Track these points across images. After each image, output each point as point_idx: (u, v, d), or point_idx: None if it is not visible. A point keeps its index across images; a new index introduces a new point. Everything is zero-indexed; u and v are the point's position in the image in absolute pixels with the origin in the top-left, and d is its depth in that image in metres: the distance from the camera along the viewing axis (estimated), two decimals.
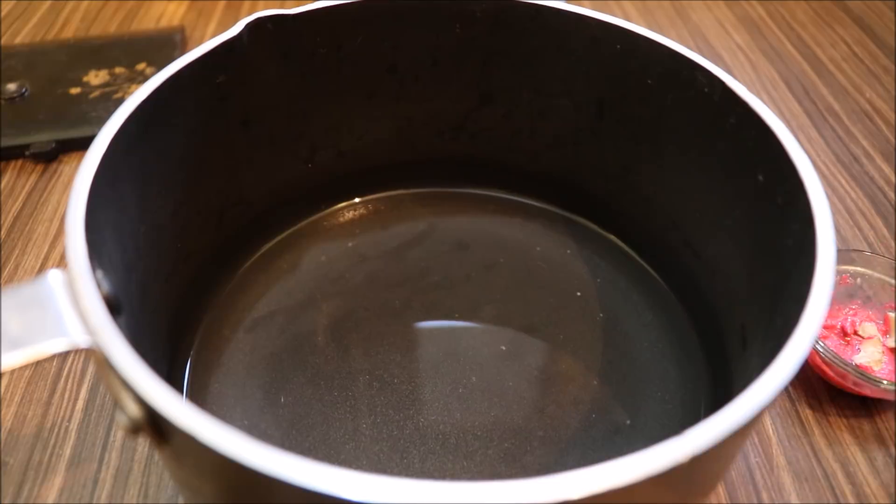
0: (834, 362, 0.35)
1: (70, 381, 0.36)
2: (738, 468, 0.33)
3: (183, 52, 0.59)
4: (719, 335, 0.35)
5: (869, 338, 0.37)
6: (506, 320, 0.38)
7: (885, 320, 0.38)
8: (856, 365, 0.35)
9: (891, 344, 0.37)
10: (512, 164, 0.44)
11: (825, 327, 0.38)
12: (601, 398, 0.35)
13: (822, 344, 0.35)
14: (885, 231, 0.45)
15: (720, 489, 0.33)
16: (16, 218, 0.46)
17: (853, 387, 0.35)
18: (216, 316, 0.38)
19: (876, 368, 0.36)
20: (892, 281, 0.38)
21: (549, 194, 0.44)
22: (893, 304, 0.38)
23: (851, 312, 0.38)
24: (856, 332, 0.38)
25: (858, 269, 0.39)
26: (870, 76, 0.58)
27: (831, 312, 0.38)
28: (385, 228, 0.43)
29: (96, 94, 0.54)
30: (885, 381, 0.34)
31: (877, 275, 0.39)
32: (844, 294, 0.39)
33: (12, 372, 0.37)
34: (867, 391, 0.35)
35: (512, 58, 0.39)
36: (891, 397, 0.35)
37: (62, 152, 0.51)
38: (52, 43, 0.61)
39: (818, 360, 0.36)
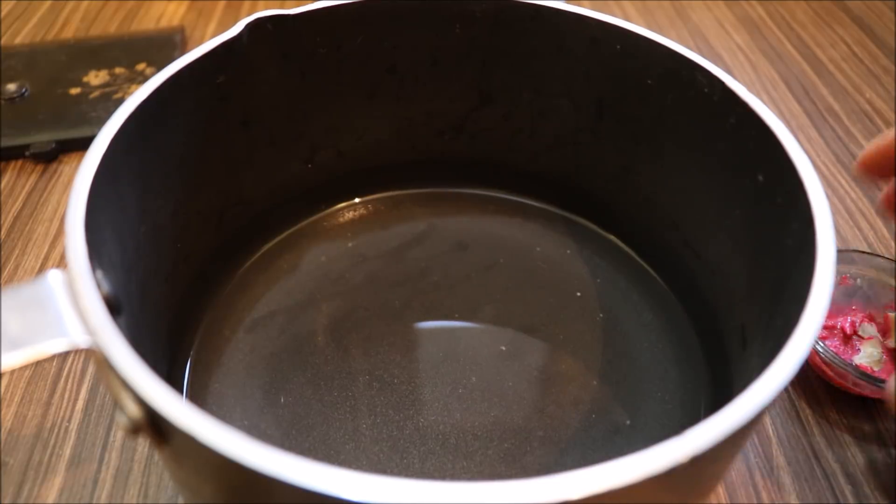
0: (834, 362, 0.35)
1: (70, 381, 0.36)
2: (738, 468, 0.33)
3: (183, 52, 0.59)
4: (719, 335, 0.35)
5: (869, 338, 0.37)
6: (506, 320, 0.38)
7: (885, 320, 0.38)
8: (856, 365, 0.35)
9: (891, 344, 0.37)
10: (512, 164, 0.44)
11: (825, 328, 0.38)
12: (601, 398, 0.35)
13: (822, 344, 0.35)
14: (884, 231, 0.45)
15: (720, 489, 0.33)
16: (16, 218, 0.46)
17: (853, 387, 0.35)
18: (216, 316, 0.38)
19: (876, 369, 0.36)
20: (892, 281, 0.38)
21: (549, 194, 0.44)
22: (893, 305, 0.38)
23: (851, 313, 0.38)
24: (855, 333, 0.38)
25: (858, 269, 0.39)
26: (870, 76, 0.58)
27: (831, 313, 0.38)
28: (385, 228, 0.43)
29: (96, 94, 0.54)
30: (884, 382, 0.34)
31: (876, 275, 0.38)
32: (844, 294, 0.39)
33: (12, 372, 0.37)
34: (867, 392, 0.35)
35: (512, 58, 0.39)
36: None
37: (62, 152, 0.51)
38: (52, 43, 0.61)
39: (818, 361, 0.36)
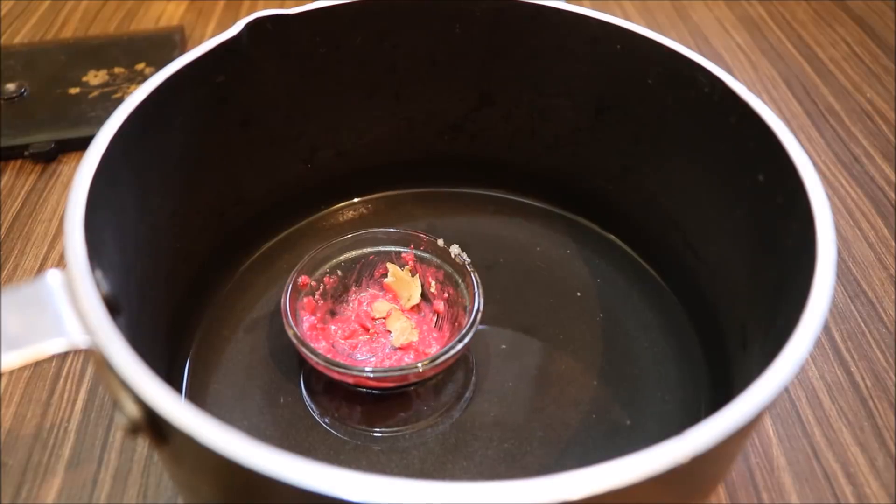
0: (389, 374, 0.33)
1: (69, 381, 0.36)
2: (738, 469, 0.33)
3: (182, 52, 0.59)
4: (719, 335, 0.34)
5: (388, 315, 0.37)
6: (506, 320, 0.38)
7: (386, 287, 0.38)
8: (398, 347, 0.35)
9: (407, 304, 0.37)
10: (512, 164, 0.44)
11: (345, 338, 0.36)
12: (601, 398, 0.34)
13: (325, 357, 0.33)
14: (885, 231, 0.45)
15: (720, 490, 0.33)
16: (15, 218, 0.46)
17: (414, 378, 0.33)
18: (216, 316, 0.38)
19: (414, 339, 0.36)
20: (381, 248, 0.38)
21: (549, 194, 0.44)
22: (385, 267, 0.38)
23: (357, 301, 0.38)
24: (374, 319, 0.37)
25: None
26: (870, 76, 0.58)
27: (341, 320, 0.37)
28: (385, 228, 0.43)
29: (95, 94, 0.54)
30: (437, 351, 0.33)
31: (367, 250, 0.38)
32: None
33: (11, 372, 0.36)
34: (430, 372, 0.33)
35: (512, 58, 0.39)
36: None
37: (61, 152, 0.50)
38: (52, 43, 0.61)
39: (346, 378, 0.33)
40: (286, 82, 0.38)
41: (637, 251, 0.41)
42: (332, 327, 0.37)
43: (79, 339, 0.22)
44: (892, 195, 0.47)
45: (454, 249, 0.37)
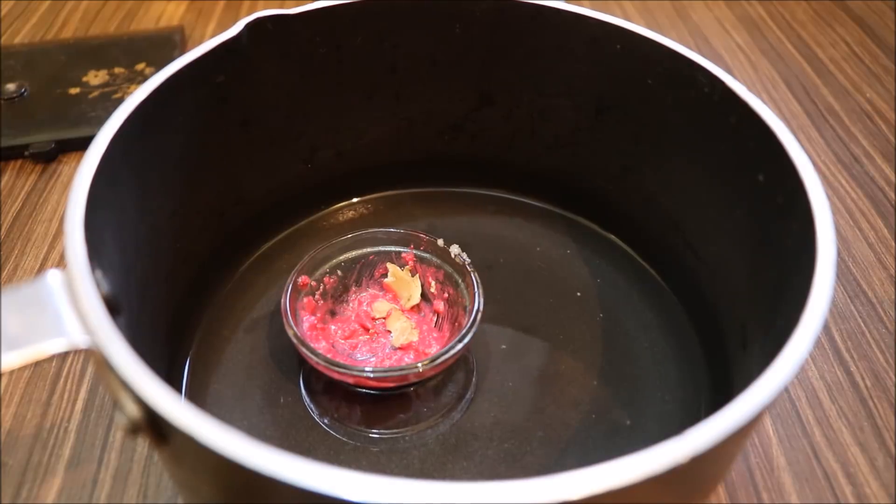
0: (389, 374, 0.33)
1: (69, 381, 0.36)
2: (738, 469, 0.33)
3: (182, 52, 0.59)
4: (719, 335, 0.34)
5: (388, 315, 0.37)
6: (506, 320, 0.38)
7: (386, 287, 0.38)
8: (398, 347, 0.35)
9: (407, 304, 0.37)
10: (512, 164, 0.44)
11: (345, 338, 0.36)
12: (601, 398, 0.34)
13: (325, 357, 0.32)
14: (885, 231, 0.45)
15: (720, 490, 0.33)
16: (15, 218, 0.46)
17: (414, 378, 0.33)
18: (216, 316, 0.38)
19: (414, 339, 0.36)
20: (381, 248, 0.38)
21: (549, 194, 0.44)
22: (385, 267, 0.38)
23: (357, 301, 0.38)
24: (374, 319, 0.37)
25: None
26: (870, 76, 0.58)
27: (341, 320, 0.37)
28: (384, 228, 0.43)
29: (95, 94, 0.54)
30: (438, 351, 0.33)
31: (367, 250, 0.38)
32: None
33: (11, 372, 0.36)
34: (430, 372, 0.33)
35: (512, 58, 0.39)
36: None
37: (61, 152, 0.50)
38: (52, 43, 0.61)
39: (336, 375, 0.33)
40: (286, 82, 0.38)
41: (637, 251, 0.41)
42: (332, 327, 0.37)
43: (79, 339, 0.22)
44: (892, 195, 0.47)
45: (454, 249, 0.37)
